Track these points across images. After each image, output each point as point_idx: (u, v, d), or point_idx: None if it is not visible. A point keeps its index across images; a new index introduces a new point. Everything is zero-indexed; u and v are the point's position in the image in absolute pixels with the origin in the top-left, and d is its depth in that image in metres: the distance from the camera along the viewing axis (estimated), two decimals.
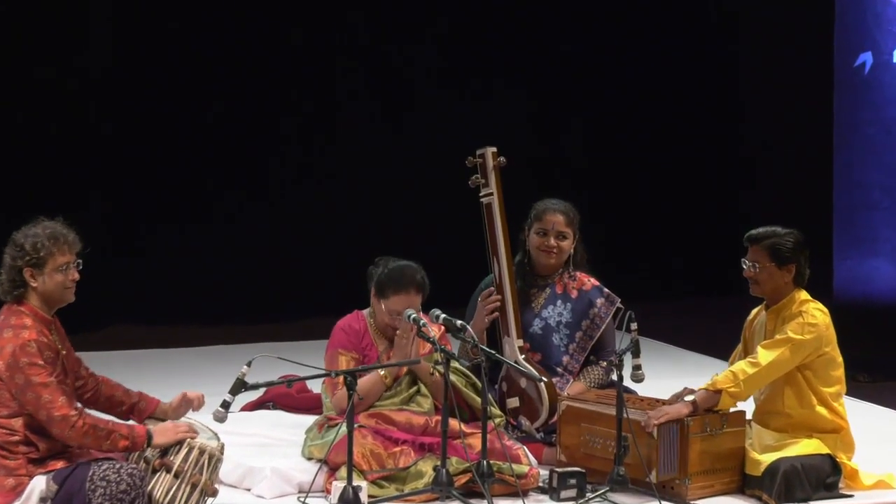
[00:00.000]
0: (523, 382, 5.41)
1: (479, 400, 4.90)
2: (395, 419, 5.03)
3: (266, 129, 9.50)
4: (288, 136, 9.63)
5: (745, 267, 5.06)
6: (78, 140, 8.98)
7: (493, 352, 5.02)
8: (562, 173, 10.14)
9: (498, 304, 5.45)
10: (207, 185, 9.33)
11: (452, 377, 4.91)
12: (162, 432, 4.34)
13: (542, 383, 5.29)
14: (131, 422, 4.50)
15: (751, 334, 5.20)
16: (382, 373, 5.06)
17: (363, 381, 4.99)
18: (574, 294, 5.63)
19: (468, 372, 5.18)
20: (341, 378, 4.86)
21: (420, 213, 9.64)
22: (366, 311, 5.26)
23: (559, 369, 5.55)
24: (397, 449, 4.92)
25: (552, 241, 5.57)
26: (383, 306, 5.09)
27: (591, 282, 5.66)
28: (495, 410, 5.23)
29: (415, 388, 5.18)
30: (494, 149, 5.48)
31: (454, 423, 4.85)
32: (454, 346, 5.27)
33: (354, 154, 9.68)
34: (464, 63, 9.90)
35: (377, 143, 9.72)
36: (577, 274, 5.66)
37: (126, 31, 9.07)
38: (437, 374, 4.95)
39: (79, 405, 4.35)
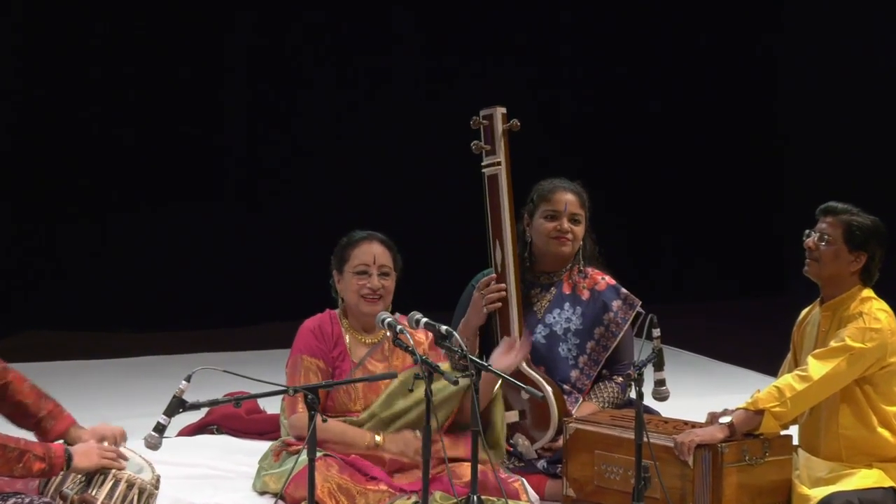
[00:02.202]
0: (524, 393, 5.34)
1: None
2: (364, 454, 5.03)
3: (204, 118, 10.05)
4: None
5: (808, 237, 5.02)
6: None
7: (487, 364, 4.94)
8: (572, 162, 10.36)
9: (503, 293, 5.40)
10: (138, 181, 9.88)
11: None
12: (85, 454, 4.32)
13: (550, 392, 5.27)
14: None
15: (801, 338, 5.17)
16: (378, 439, 5.05)
17: (335, 426, 4.99)
18: (585, 295, 5.59)
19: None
20: (299, 368, 4.98)
21: (398, 199, 9.94)
22: (338, 311, 5.27)
23: (566, 386, 5.51)
24: (371, 486, 4.89)
25: (566, 224, 5.52)
26: (348, 275, 5.16)
27: (605, 280, 5.62)
28: (500, 439, 5.21)
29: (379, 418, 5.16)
30: (504, 109, 5.45)
31: (437, 449, 4.81)
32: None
33: (313, 140, 10.20)
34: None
35: (345, 127, 10.18)
36: (589, 270, 5.62)
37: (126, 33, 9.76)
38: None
39: None
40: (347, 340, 5.23)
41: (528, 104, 10.26)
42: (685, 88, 11.23)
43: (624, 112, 11.14)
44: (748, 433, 4.88)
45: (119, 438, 4.56)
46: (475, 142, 5.44)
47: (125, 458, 4.40)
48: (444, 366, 4.84)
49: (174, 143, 10.00)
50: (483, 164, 5.46)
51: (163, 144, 9.97)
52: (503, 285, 5.42)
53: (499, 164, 5.43)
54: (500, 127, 5.43)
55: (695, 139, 11.23)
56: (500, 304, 5.41)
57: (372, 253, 5.19)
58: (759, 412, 4.86)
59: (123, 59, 9.77)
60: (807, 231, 5.04)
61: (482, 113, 5.46)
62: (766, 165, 11.36)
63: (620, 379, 5.54)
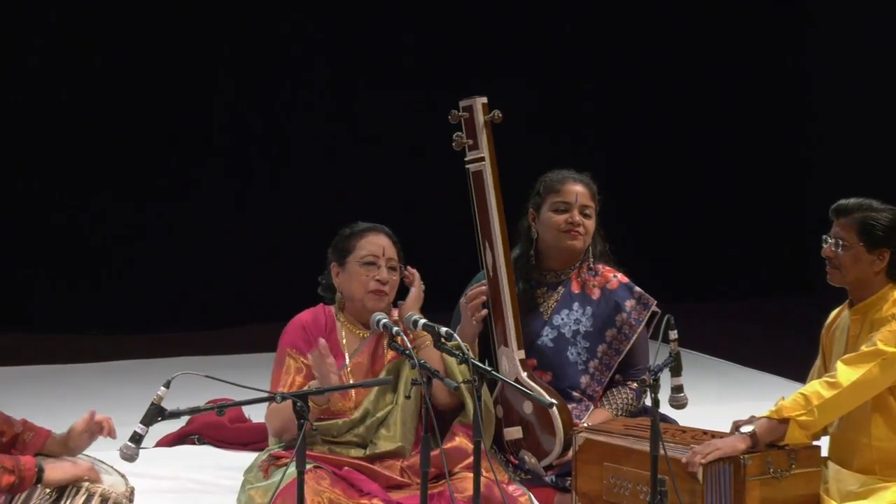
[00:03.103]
0: (527, 407, 5.36)
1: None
2: (358, 467, 5.02)
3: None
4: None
5: (824, 245, 5.02)
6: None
7: (490, 368, 4.94)
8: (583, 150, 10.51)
9: (484, 297, 5.38)
10: (110, 176, 10.05)
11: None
12: (57, 467, 4.35)
13: (554, 407, 5.22)
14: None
15: (830, 341, 5.16)
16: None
17: (279, 410, 4.97)
18: (595, 294, 5.57)
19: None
20: (284, 368, 4.99)
21: (393, 194, 10.00)
22: (335, 307, 5.28)
23: (576, 393, 5.50)
24: (365, 501, 4.87)
25: (577, 217, 5.50)
26: (353, 266, 5.17)
27: (617, 278, 5.60)
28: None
29: (374, 418, 5.16)
30: (485, 99, 5.41)
31: (437, 458, 4.79)
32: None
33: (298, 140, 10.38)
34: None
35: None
36: (599, 268, 5.61)
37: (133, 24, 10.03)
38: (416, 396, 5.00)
39: None
40: (343, 336, 5.22)
41: (528, 92, 10.35)
42: (707, 81, 11.37)
43: (644, 104, 11.27)
44: (772, 444, 4.87)
45: (112, 426, 4.59)
46: (457, 134, 5.41)
47: (98, 475, 4.42)
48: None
49: (153, 140, 10.12)
50: (466, 159, 5.42)
51: (139, 141, 10.08)
52: (483, 288, 5.40)
53: (482, 159, 5.39)
54: (481, 119, 5.38)
55: (717, 132, 11.38)
56: (485, 311, 5.39)
57: (381, 244, 5.21)
58: (784, 421, 4.84)
59: (114, 56, 9.99)
60: (823, 237, 5.03)
61: (461, 104, 5.42)
62: (792, 158, 11.48)
63: (635, 384, 5.52)
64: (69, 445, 4.55)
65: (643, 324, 5.53)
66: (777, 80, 11.48)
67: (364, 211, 5.91)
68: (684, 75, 11.31)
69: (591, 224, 5.56)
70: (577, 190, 5.55)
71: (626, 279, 5.61)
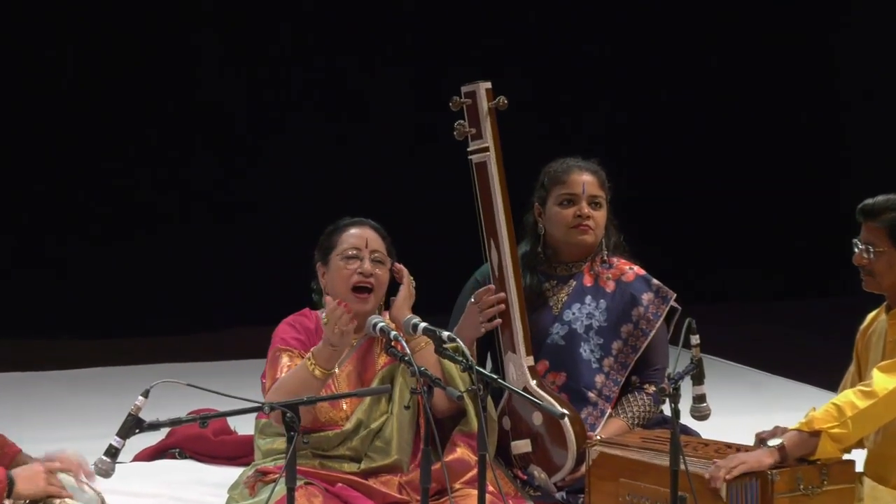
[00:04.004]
0: (537, 418, 5.36)
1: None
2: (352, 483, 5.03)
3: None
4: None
5: (855, 250, 5.02)
6: None
7: (496, 376, 4.92)
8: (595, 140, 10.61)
9: (502, 306, 5.37)
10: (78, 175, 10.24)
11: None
12: (29, 478, 4.40)
13: (566, 418, 5.22)
14: None
15: (865, 347, 5.15)
16: (310, 365, 4.99)
17: (287, 380, 4.97)
18: (610, 287, 5.56)
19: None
20: (283, 366, 5.00)
21: (385, 187, 10.13)
22: (321, 311, 5.27)
23: (591, 394, 5.49)
24: None
25: (586, 210, 5.48)
26: (335, 262, 5.18)
27: (633, 270, 5.59)
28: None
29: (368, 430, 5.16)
30: (489, 84, 5.41)
31: (438, 473, 4.78)
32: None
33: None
34: None
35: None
36: (614, 260, 5.61)
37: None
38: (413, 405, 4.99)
39: None
40: None
41: (535, 74, 10.36)
42: (736, 74, 11.56)
43: (667, 100, 11.46)
44: (802, 458, 4.85)
45: (78, 469, 4.58)
46: (458, 122, 5.42)
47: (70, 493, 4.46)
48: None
49: (133, 138, 10.30)
50: (469, 149, 5.43)
51: (118, 139, 10.24)
52: (503, 295, 5.40)
53: (487, 149, 5.39)
54: (485, 105, 5.39)
55: (747, 121, 11.55)
56: (499, 320, 5.40)
57: (364, 237, 5.21)
58: (816, 434, 4.81)
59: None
60: (853, 240, 5.03)
61: (463, 90, 5.43)
62: (825, 150, 11.63)
63: (653, 389, 5.52)
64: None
65: (661, 319, 5.53)
66: (808, 72, 11.68)
67: (356, 207, 5.93)
68: (716, 70, 11.53)
69: (601, 216, 5.55)
70: (585, 179, 5.55)
71: (642, 271, 5.61)
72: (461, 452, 5.14)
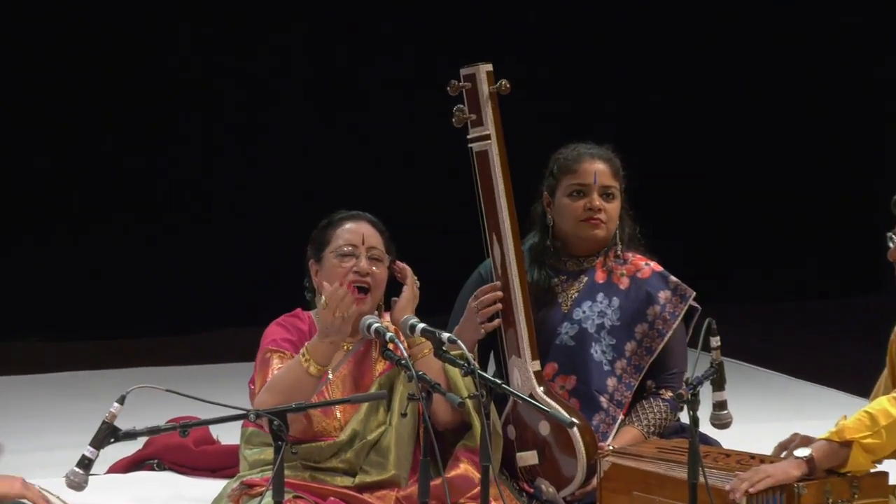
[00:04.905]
0: (544, 427, 5.35)
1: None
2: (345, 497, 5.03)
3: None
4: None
5: (890, 245, 4.99)
6: None
7: (500, 381, 4.93)
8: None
9: (500, 305, 5.36)
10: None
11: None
12: (6, 479, 4.56)
13: (575, 427, 5.20)
14: None
15: None
16: (304, 361, 4.98)
17: (279, 378, 4.96)
18: (624, 284, 5.55)
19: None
20: (273, 369, 4.99)
21: (380, 180, 10.26)
22: (314, 311, 5.25)
23: (603, 398, 5.48)
24: None
25: (597, 201, 5.45)
26: (329, 259, 5.17)
27: (649, 266, 5.59)
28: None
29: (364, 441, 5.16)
30: (490, 66, 5.40)
31: (438, 488, 4.77)
32: None
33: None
34: None
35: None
36: (629, 255, 5.62)
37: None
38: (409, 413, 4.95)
39: None
40: None
41: (541, 54, 10.43)
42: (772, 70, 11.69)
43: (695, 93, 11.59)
44: (832, 470, 4.84)
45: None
46: (458, 107, 5.41)
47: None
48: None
49: (119, 137, 10.43)
50: (469, 136, 5.43)
51: (105, 139, 10.43)
52: (498, 293, 5.39)
53: (488, 136, 5.39)
54: (485, 90, 5.38)
55: (779, 118, 11.71)
56: (498, 320, 5.40)
57: (360, 232, 5.19)
58: (847, 444, 4.80)
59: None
60: (888, 234, 5.01)
61: (462, 73, 5.41)
62: (862, 144, 11.80)
63: (669, 394, 5.51)
64: None
65: (679, 318, 5.52)
66: (844, 69, 11.82)
67: (349, 200, 5.94)
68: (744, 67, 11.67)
69: (614, 207, 5.55)
70: (596, 168, 5.54)
71: (660, 268, 5.59)
72: (464, 468, 5.13)
